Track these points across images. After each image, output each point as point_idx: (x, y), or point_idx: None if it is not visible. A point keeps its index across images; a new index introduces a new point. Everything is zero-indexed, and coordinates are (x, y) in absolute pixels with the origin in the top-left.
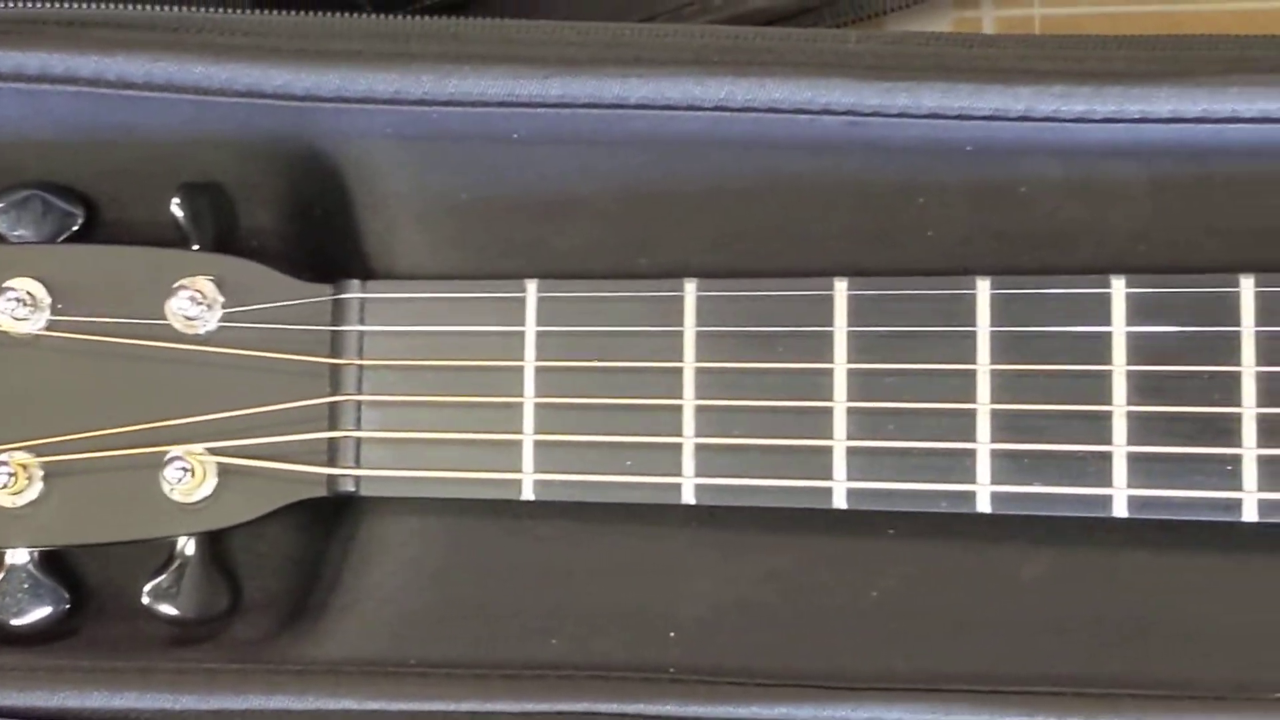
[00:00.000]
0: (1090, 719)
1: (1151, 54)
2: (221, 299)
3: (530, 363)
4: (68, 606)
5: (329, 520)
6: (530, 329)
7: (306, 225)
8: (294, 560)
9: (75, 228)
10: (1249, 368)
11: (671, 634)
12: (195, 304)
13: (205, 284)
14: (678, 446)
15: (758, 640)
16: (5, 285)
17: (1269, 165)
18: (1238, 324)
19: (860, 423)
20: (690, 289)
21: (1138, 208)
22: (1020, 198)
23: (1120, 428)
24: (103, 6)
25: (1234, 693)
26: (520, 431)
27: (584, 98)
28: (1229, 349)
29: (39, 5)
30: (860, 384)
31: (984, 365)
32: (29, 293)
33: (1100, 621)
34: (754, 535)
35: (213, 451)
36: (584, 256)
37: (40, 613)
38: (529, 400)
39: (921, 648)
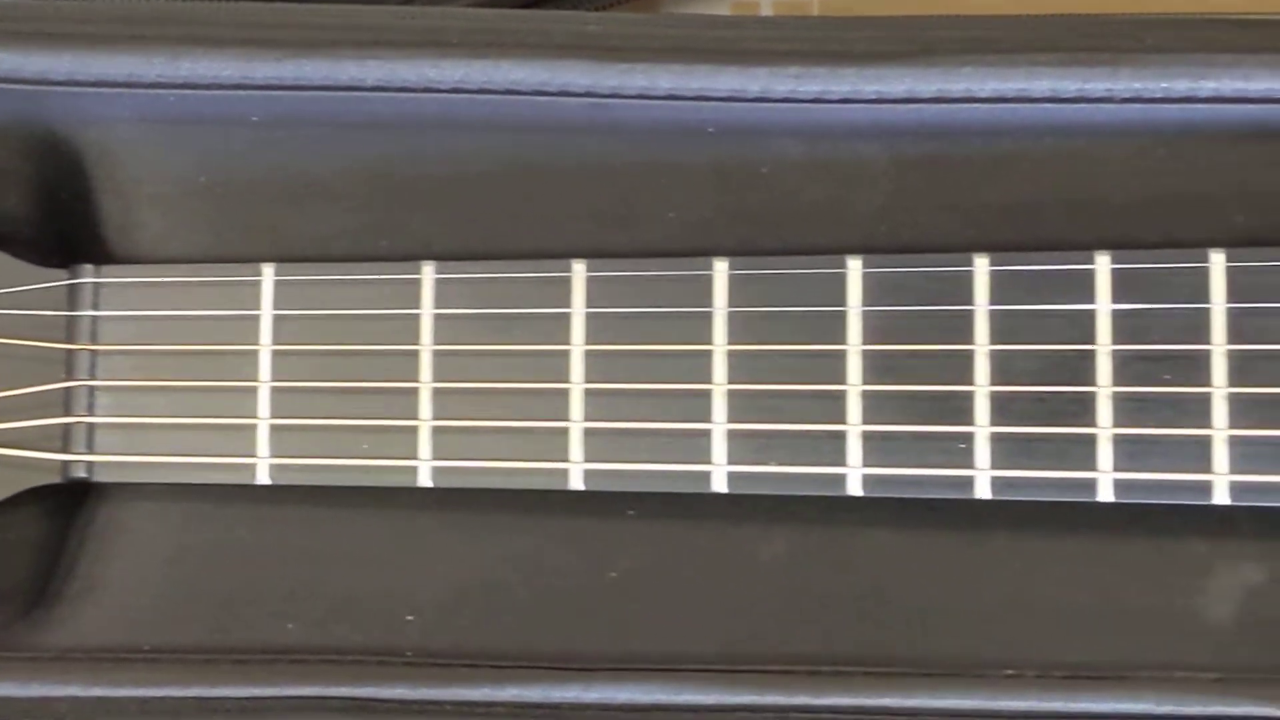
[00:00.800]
0: (819, 697)
1: (891, 34)
2: None
3: (266, 346)
4: None
5: (70, 507)
6: (267, 312)
7: (51, 209)
8: (36, 547)
9: None
10: (982, 346)
11: (409, 617)
12: None
13: None
14: (414, 429)
15: (497, 623)
16: None
17: (1007, 145)
18: (971, 302)
19: (598, 404)
20: (428, 271)
21: (878, 188)
22: (762, 178)
23: (855, 407)
24: None
25: (966, 670)
26: (255, 416)
27: (319, 80)
28: (963, 327)
29: None
30: (598, 365)
31: (720, 345)
32: None
33: (836, 600)
34: (494, 517)
35: None
36: (324, 240)
37: None
38: (264, 384)
39: (659, 628)
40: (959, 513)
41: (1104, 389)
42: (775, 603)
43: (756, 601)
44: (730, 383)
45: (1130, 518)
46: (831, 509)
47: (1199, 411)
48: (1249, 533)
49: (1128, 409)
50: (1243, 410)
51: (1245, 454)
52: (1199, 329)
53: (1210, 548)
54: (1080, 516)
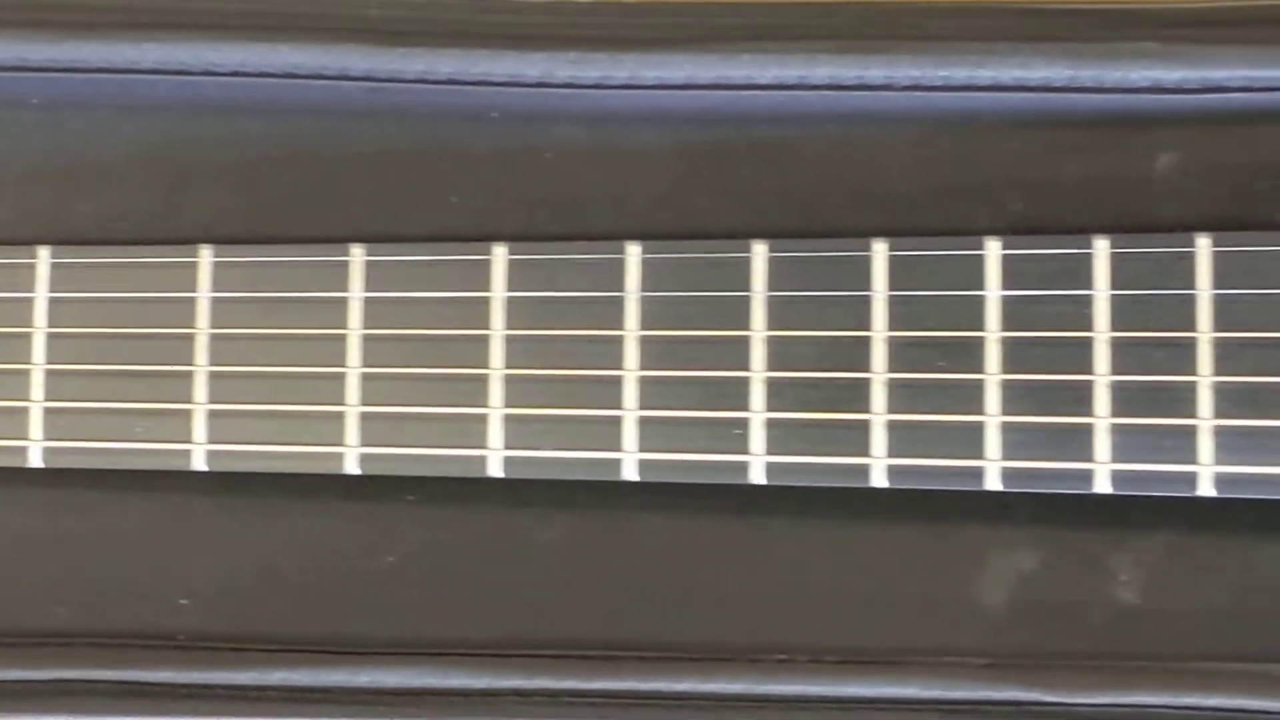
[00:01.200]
0: (589, 681)
1: (675, 21)
2: None
3: (41, 329)
4: None
5: None
6: (41, 295)
7: None
8: None
9: None
10: (759, 332)
11: (184, 601)
12: None
13: None
14: (188, 413)
15: (274, 606)
16: None
17: (790, 132)
18: (749, 289)
19: (375, 388)
20: (206, 255)
21: (661, 174)
22: (546, 164)
23: (632, 392)
24: None
25: (739, 654)
26: (28, 399)
27: (97, 62)
28: (741, 313)
29: None
30: (376, 350)
31: (499, 330)
32: None
33: (613, 585)
34: (273, 501)
35: None
36: (105, 223)
37: None
38: (38, 367)
39: (436, 613)
40: (737, 498)
41: (879, 375)
42: (552, 587)
43: (534, 586)
44: (508, 367)
45: (906, 503)
46: (610, 494)
47: (972, 398)
48: (1024, 519)
49: (902, 395)
50: (1015, 397)
51: (1017, 440)
52: (974, 316)
53: (986, 534)
54: (858, 502)
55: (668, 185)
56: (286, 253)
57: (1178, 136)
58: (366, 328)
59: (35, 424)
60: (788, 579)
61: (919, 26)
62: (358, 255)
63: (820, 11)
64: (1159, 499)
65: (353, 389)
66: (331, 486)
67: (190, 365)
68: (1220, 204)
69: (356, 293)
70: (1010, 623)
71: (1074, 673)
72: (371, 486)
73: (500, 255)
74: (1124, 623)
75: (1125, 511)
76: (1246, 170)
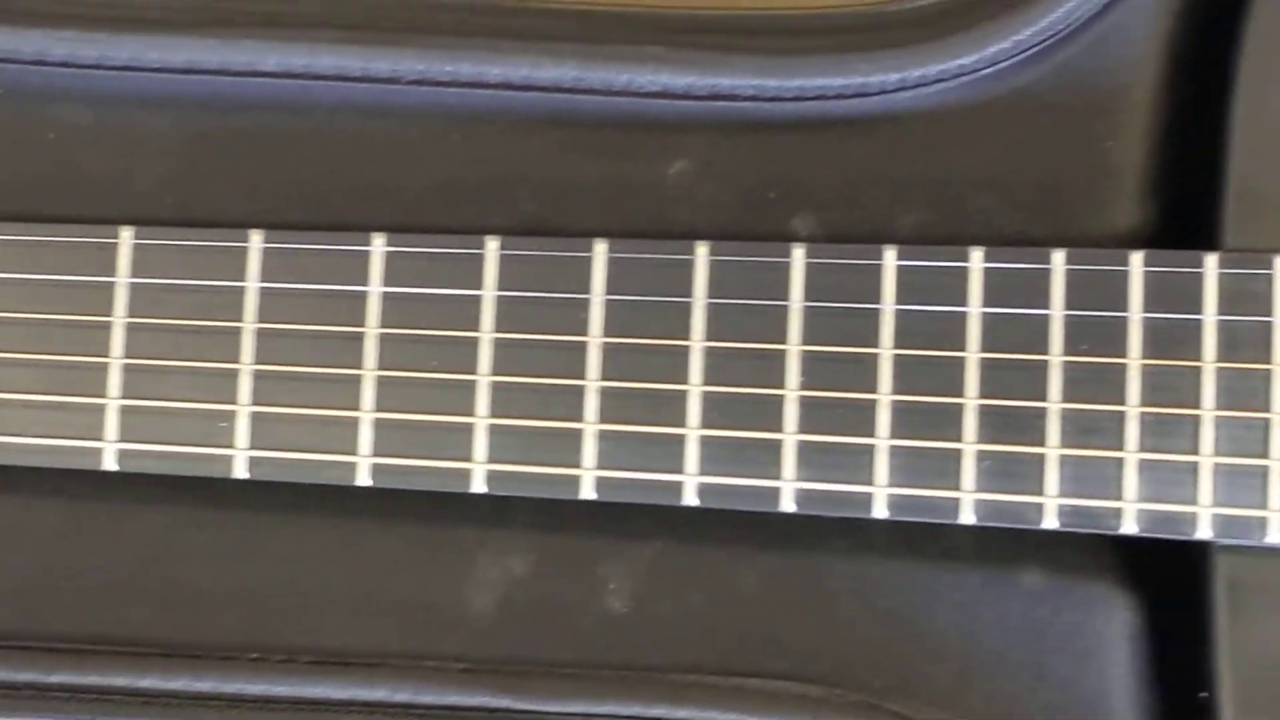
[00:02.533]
0: (48, 675)
1: (186, 4)
2: None
3: None
4: None
5: None
6: None
7: None
8: None
9: None
10: (488, 334)
11: None
12: None
13: None
14: None
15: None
16: None
17: (301, 123)
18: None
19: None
20: None
21: (166, 159)
22: (49, 145)
23: (115, 381)
24: None
25: (213, 653)
26: None
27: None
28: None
29: None
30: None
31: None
32: None
33: (97, 577)
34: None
35: None
36: None
37: None
38: None
39: None
40: (230, 492)
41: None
42: (39, 575)
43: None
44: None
45: (402, 503)
46: (102, 485)
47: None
48: (522, 523)
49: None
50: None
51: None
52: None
53: (480, 537)
54: (351, 501)
55: (172, 170)
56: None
57: (690, 143)
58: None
59: None
60: (276, 577)
61: (432, 20)
62: (126, 237)
63: (330, 2)
64: (654, 507)
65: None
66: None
67: None
68: (733, 212)
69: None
70: (497, 628)
71: (551, 680)
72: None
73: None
74: (611, 631)
75: (623, 518)
76: (758, 179)
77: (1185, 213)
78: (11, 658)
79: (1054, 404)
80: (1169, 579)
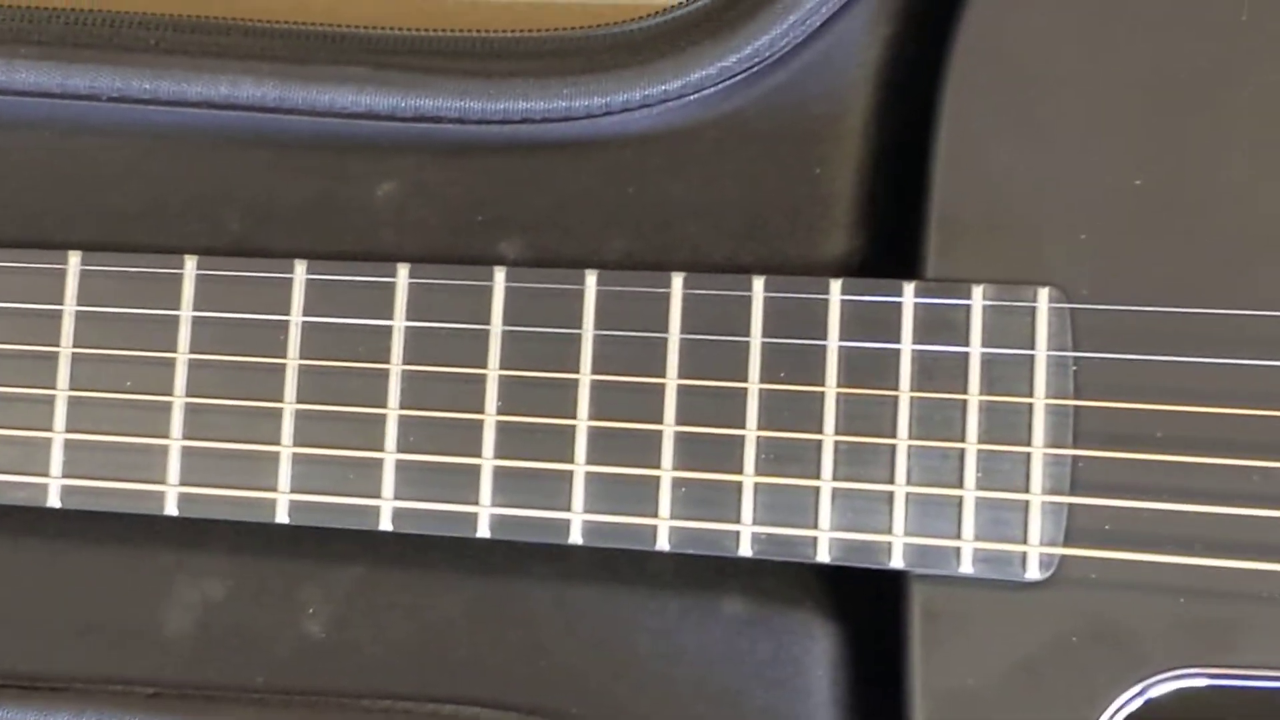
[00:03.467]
0: None
1: None
2: None
3: None
4: None
5: None
6: None
7: None
8: None
9: None
10: (183, 355)
11: None
12: None
13: None
14: None
15: None
16: None
17: (10, 137)
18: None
19: None
20: None
21: None
22: None
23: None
24: None
25: None
26: None
27: None
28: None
29: None
30: None
31: None
32: None
33: None
34: None
35: None
36: None
37: None
38: None
39: None
40: None
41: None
42: None
43: None
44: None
45: (99, 526)
46: None
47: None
48: (222, 548)
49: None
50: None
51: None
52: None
53: (178, 560)
54: (45, 524)
55: None
56: None
57: (399, 165)
58: None
59: None
60: None
61: (133, 37)
62: None
63: (30, 17)
64: (357, 531)
65: None
66: None
67: None
68: (441, 234)
69: None
70: (192, 652)
71: (240, 706)
72: None
73: None
74: (308, 656)
75: (324, 542)
76: (466, 202)
77: (893, 242)
78: None
79: (751, 431)
80: (869, 608)
